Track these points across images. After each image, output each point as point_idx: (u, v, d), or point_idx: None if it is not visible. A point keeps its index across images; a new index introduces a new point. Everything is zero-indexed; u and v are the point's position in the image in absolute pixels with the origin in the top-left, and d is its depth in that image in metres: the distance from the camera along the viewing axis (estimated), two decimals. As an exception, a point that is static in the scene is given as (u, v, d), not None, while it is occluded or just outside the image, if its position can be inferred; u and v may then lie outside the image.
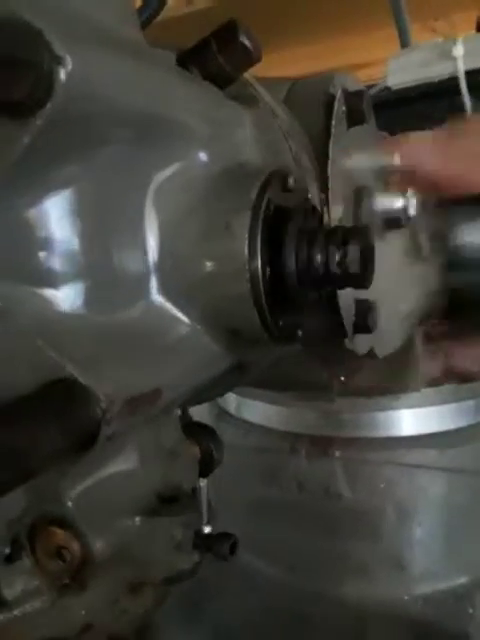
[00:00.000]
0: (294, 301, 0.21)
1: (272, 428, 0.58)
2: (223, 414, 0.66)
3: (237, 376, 0.26)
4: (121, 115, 0.18)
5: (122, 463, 0.19)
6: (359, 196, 0.33)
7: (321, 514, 0.53)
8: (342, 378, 0.42)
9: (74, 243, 0.18)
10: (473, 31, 0.88)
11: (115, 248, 0.19)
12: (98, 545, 0.19)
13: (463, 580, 0.48)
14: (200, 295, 0.21)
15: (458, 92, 0.45)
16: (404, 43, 0.63)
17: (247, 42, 0.23)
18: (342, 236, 0.20)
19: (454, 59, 0.45)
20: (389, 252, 0.40)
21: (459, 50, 0.44)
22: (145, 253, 0.20)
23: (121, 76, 0.18)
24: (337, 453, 0.52)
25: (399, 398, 0.50)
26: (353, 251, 0.20)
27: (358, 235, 0.20)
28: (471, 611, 0.46)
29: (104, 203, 0.19)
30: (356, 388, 0.48)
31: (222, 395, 0.47)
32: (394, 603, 0.49)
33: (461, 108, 0.46)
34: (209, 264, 0.20)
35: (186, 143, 0.21)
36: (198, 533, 0.20)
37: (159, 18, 0.31)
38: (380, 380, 0.48)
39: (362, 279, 0.20)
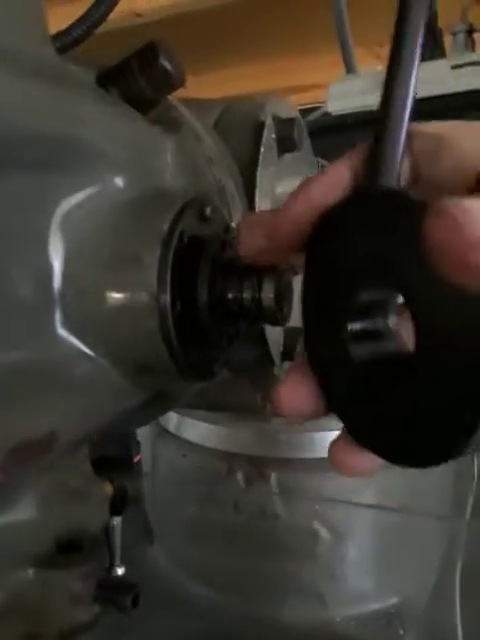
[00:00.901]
0: (208, 335, 0.21)
1: (210, 448, 0.57)
2: (163, 432, 0.64)
3: (160, 405, 0.25)
4: (25, 138, 0.17)
5: (16, 512, 0.18)
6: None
7: (256, 535, 0.52)
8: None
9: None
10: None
11: (13, 276, 0.18)
12: (-15, 600, 0.17)
13: (394, 601, 0.49)
14: (107, 329, 0.19)
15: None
16: (349, 68, 0.64)
17: (168, 65, 0.22)
18: (257, 272, 0.20)
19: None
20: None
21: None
22: (48, 282, 0.19)
23: (25, 97, 0.16)
24: (273, 474, 0.51)
25: (335, 419, 0.50)
26: (268, 289, 0.19)
27: (274, 271, 0.20)
28: (402, 632, 0.47)
29: (3, 228, 0.17)
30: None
31: (147, 423, 0.46)
32: (327, 624, 0.49)
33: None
34: (117, 296, 0.19)
35: (100, 168, 0.20)
36: (100, 584, 0.19)
37: (104, 29, 0.30)
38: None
39: (276, 316, 0.20)
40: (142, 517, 0.51)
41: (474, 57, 0.43)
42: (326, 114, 0.49)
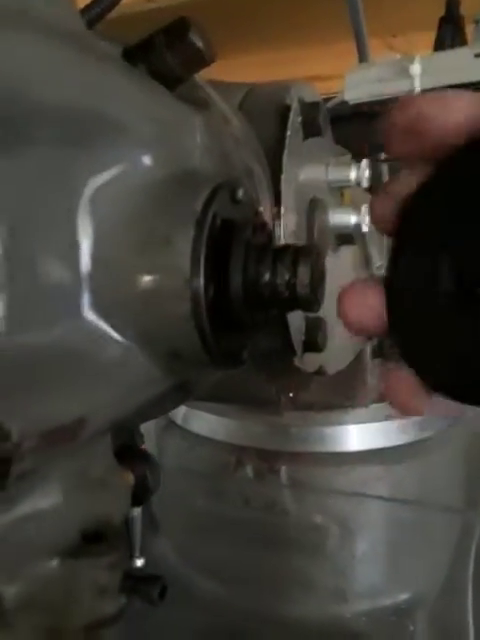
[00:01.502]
0: (239, 322, 0.20)
1: (219, 440, 0.56)
2: (170, 425, 0.64)
3: (179, 396, 0.25)
4: (51, 112, 0.16)
5: (40, 500, 0.17)
6: (313, 209, 0.32)
7: (265, 530, 0.52)
8: (290, 394, 0.41)
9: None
10: (430, 50, 0.90)
11: (41, 258, 0.17)
12: (9, 592, 0.17)
13: (405, 597, 0.48)
14: (137, 312, 0.19)
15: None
16: (362, 58, 0.63)
17: (198, 42, 0.21)
18: (292, 255, 0.19)
19: (411, 77, 0.44)
20: (340, 266, 0.39)
21: (416, 69, 0.44)
22: (76, 264, 0.18)
23: (50, 67, 0.16)
24: (283, 468, 0.51)
25: (347, 413, 0.50)
26: (303, 272, 0.19)
27: (309, 255, 0.19)
28: (412, 628, 0.46)
29: (29, 207, 0.17)
30: (304, 402, 0.47)
31: (162, 415, 0.45)
32: (336, 620, 0.49)
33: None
34: (148, 279, 0.19)
35: (128, 145, 0.19)
36: (126, 574, 0.18)
37: (116, 14, 0.29)
38: (328, 395, 0.47)
39: (311, 303, 0.19)
40: (148, 509, 0.51)
41: (497, 46, 0.42)
42: (343, 103, 0.48)
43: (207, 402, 0.54)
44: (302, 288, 0.19)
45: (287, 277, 0.19)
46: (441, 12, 0.54)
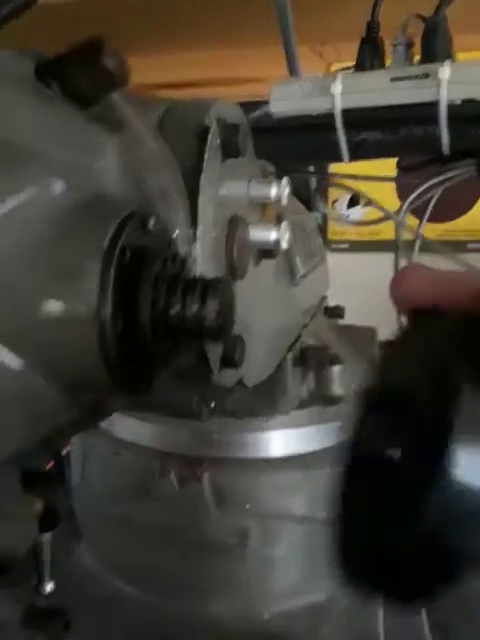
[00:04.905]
0: (147, 352, 0.20)
1: (143, 446, 0.56)
2: (94, 429, 0.63)
3: (89, 420, 0.24)
4: None
5: None
6: (233, 227, 0.33)
7: (188, 534, 0.52)
8: (211, 404, 0.41)
9: None
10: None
11: None
12: None
13: (321, 597, 0.50)
14: (40, 342, 0.18)
15: (333, 127, 0.47)
16: (291, 68, 0.65)
17: (111, 65, 0.21)
18: (201, 289, 0.19)
19: (332, 96, 0.46)
20: (261, 278, 0.40)
21: (337, 88, 0.45)
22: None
23: None
24: (206, 474, 0.51)
25: (269, 420, 0.51)
26: (211, 306, 0.19)
27: (217, 289, 0.19)
28: (326, 630, 0.48)
29: None
30: (225, 410, 0.47)
31: (73, 436, 0.45)
32: (254, 621, 0.50)
33: (335, 143, 0.47)
34: (53, 308, 0.18)
35: (36, 170, 0.19)
36: (29, 610, 0.18)
37: (38, 5, 0.28)
38: (250, 403, 0.48)
39: (218, 335, 0.20)
40: (69, 516, 0.50)
41: (414, 70, 0.44)
42: (268, 115, 0.49)
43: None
44: (209, 321, 0.19)
45: (195, 310, 0.19)
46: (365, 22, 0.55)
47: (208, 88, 0.96)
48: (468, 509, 0.14)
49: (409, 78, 0.43)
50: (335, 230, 0.95)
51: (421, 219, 0.58)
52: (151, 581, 0.51)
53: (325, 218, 0.85)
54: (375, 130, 0.46)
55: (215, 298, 0.19)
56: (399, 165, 0.61)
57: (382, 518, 0.15)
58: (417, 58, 0.48)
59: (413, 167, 0.53)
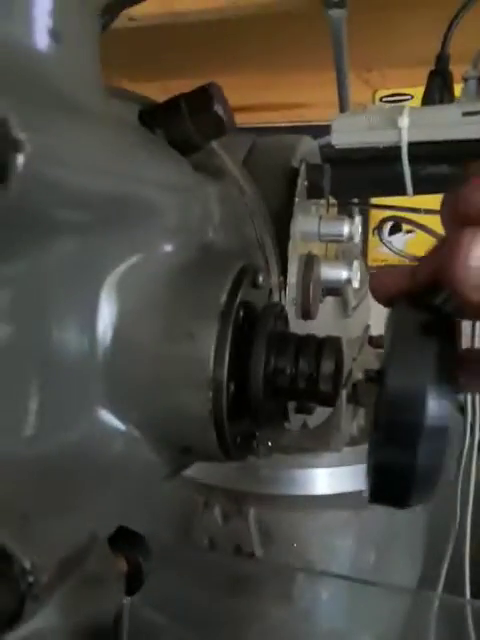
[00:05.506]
0: (254, 413, 0.19)
1: (187, 478, 0.55)
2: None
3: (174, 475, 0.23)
4: (83, 199, 0.15)
5: (38, 620, 0.15)
6: (308, 266, 0.32)
7: (231, 572, 0.51)
8: (269, 443, 0.40)
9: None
10: (403, 87, 0.91)
11: (61, 346, 0.16)
12: None
13: (366, 638, 0.48)
14: (152, 403, 0.17)
15: (398, 160, 0.46)
16: (341, 92, 0.64)
17: (221, 112, 0.20)
18: (315, 348, 0.18)
19: (399, 129, 0.45)
20: (324, 314, 0.39)
21: (405, 121, 0.44)
22: (94, 354, 0.17)
23: (85, 155, 0.14)
24: (251, 510, 0.50)
25: (318, 457, 0.50)
26: (327, 367, 0.18)
27: (332, 349, 0.18)
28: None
29: (49, 300, 0.15)
30: (279, 447, 0.46)
31: None
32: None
33: (398, 176, 0.46)
34: (169, 369, 0.17)
35: (151, 228, 0.18)
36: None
37: None
38: (303, 440, 0.47)
39: (331, 398, 0.19)
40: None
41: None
42: (329, 146, 0.48)
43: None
44: (324, 383, 0.18)
45: (308, 371, 0.18)
46: (417, 49, 0.55)
47: (256, 113, 0.97)
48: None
49: (481, 113, 0.42)
50: (375, 257, 0.94)
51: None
52: (192, 618, 0.49)
53: (364, 245, 0.84)
54: (442, 164, 0.44)
55: (331, 359, 0.18)
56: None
57: None
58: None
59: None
